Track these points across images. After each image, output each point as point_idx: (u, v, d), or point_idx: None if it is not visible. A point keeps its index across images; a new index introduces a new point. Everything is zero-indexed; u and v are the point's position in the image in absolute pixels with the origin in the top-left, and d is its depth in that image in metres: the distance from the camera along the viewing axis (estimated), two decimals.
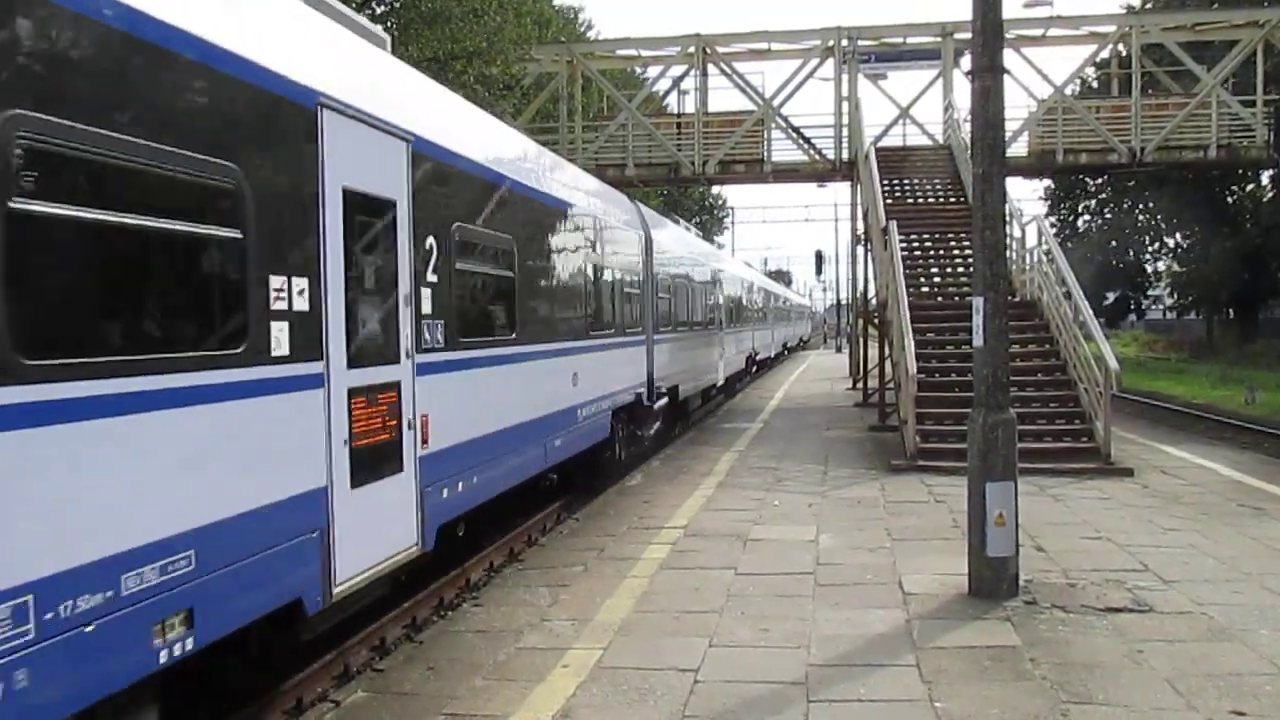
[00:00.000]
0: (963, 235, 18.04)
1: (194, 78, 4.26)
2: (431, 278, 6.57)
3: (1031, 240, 16.90)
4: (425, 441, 6.36)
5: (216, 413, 4.34)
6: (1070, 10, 59.42)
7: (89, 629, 3.54)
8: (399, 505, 6.06)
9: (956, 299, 16.54)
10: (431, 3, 19.65)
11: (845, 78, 23.84)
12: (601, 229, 11.64)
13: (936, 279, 18.31)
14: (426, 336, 6.48)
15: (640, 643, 5.97)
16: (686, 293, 18.04)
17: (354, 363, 5.48)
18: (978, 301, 6.83)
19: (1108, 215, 47.34)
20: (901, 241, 16.29)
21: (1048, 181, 43.84)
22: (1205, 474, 11.78)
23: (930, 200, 20.91)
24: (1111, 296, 50.23)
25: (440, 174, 6.86)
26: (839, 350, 47.07)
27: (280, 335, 4.78)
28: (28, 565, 3.33)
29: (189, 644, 4.07)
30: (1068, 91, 25.95)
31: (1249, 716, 4.75)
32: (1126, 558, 7.75)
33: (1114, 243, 45.89)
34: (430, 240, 6.56)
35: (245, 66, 4.58)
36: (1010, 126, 20.40)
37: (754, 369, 31.03)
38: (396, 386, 6.04)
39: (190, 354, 4.21)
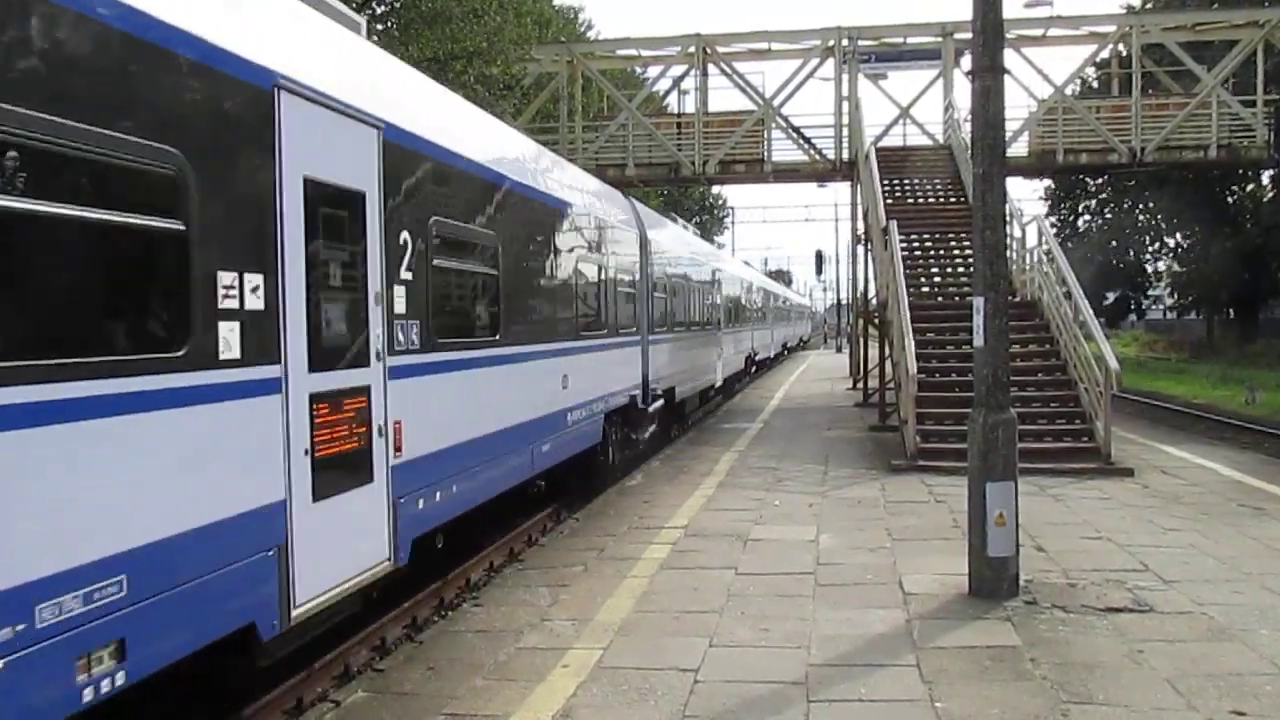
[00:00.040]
0: (963, 235, 18.04)
1: (121, 50, 3.86)
2: (406, 275, 6.21)
3: (1032, 240, 16.90)
4: (398, 450, 5.99)
5: (152, 422, 3.94)
6: (1070, 10, 59.49)
7: None
8: (368, 518, 5.68)
9: (957, 299, 16.54)
10: (432, 3, 19.67)
11: (845, 78, 23.84)
12: (594, 226, 11.29)
13: (937, 279, 18.32)
14: (400, 338, 6.11)
15: (640, 643, 5.96)
16: (683, 292, 17.67)
17: (317, 366, 5.11)
18: (978, 301, 6.83)
19: (1108, 215, 47.36)
20: (902, 241, 16.30)
21: (1048, 181, 43.87)
22: (1205, 474, 11.78)
23: (930, 200, 20.91)
24: (1112, 296, 50.26)
25: (415, 165, 6.49)
26: (839, 350, 47.07)
27: (230, 336, 4.41)
28: None
29: (119, 679, 3.73)
30: (1068, 91, 25.96)
31: (1249, 716, 4.74)
32: (1127, 558, 7.75)
33: (1114, 243, 45.90)
34: (404, 235, 6.20)
35: (186, 40, 4.18)
36: (1010, 126, 20.39)
37: (753, 369, 30.89)
38: (366, 391, 5.66)
39: (121, 358, 3.84)
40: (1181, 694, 5.02)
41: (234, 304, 4.44)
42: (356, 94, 5.67)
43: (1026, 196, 72.21)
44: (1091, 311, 13.72)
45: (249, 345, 4.53)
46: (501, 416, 8.04)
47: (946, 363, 14.63)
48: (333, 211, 5.44)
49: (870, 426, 16.44)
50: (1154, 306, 60.90)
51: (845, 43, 23.92)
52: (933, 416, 13.00)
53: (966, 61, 20.16)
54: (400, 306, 6.12)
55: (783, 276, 74.43)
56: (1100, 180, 41.76)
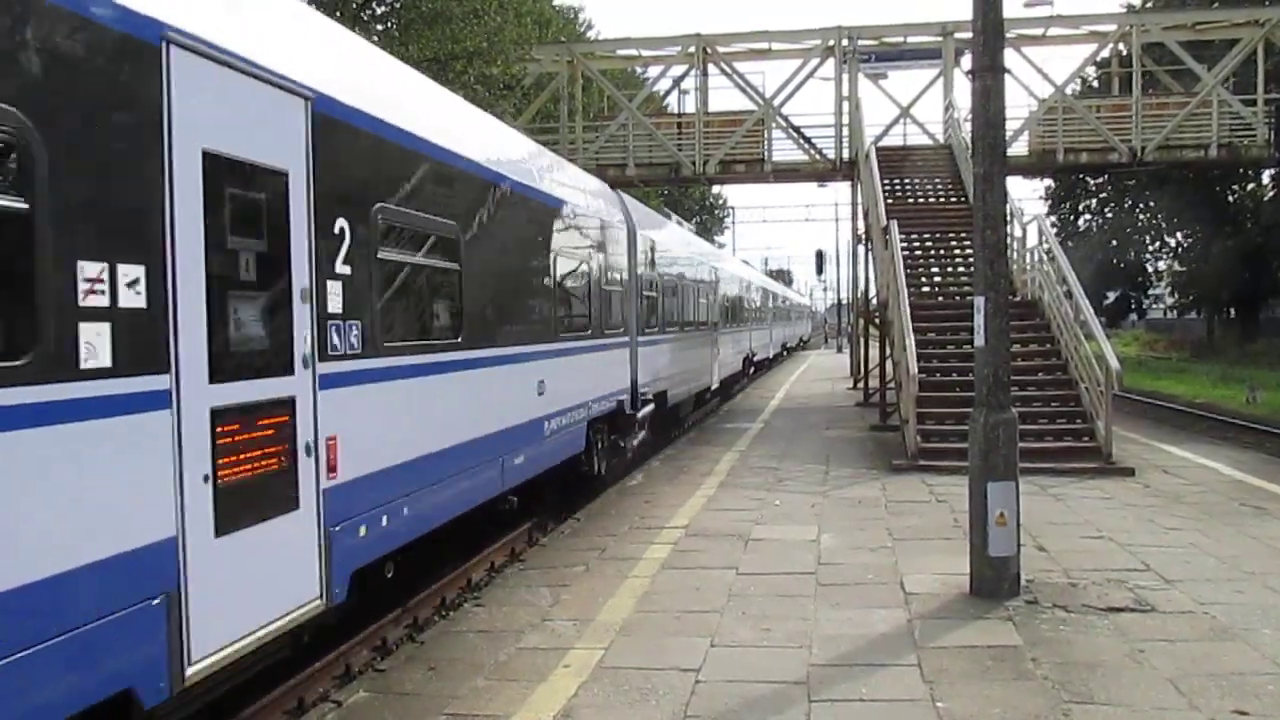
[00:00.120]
0: (963, 235, 18.04)
1: None
2: (343, 269, 5.41)
3: (1032, 240, 16.90)
4: (332, 470, 5.21)
5: None
6: (1071, 9, 59.46)
7: None
8: (292, 552, 4.89)
9: (957, 298, 16.53)
10: (432, 3, 19.70)
11: (846, 77, 23.85)
12: (575, 219, 10.44)
13: (937, 279, 18.32)
14: (335, 341, 5.32)
15: (642, 643, 5.96)
16: (677, 291, 16.90)
17: (221, 376, 4.35)
18: (979, 301, 6.83)
19: (1108, 215, 47.40)
20: (902, 241, 16.30)
21: (1048, 181, 43.93)
22: (1207, 473, 11.78)
23: (931, 200, 20.91)
24: (1112, 296, 50.29)
25: (355, 143, 5.66)
26: (840, 350, 47.06)
27: (96, 341, 3.61)
28: None
29: None
30: (1068, 91, 25.96)
31: (1251, 716, 4.74)
32: (1128, 557, 7.75)
33: (1115, 242, 45.91)
34: (341, 223, 5.40)
35: None
36: (1011, 126, 20.33)
37: (751, 370, 30.61)
38: (289, 404, 4.87)
39: None
40: (1183, 694, 5.01)
41: (102, 301, 3.65)
42: (279, 57, 4.90)
43: (1027, 196, 72.69)
44: (1092, 311, 13.73)
45: (124, 351, 3.74)
46: (464, 428, 7.22)
47: (947, 362, 14.62)
48: (244, 193, 4.64)
49: (871, 426, 16.45)
50: (1155, 306, 60.96)
51: (845, 42, 23.93)
52: (933, 416, 13.01)
53: (967, 61, 20.16)
54: (335, 305, 5.34)
55: (783, 276, 74.38)
56: (1101, 180, 41.77)
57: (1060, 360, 13.97)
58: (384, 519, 5.83)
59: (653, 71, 28.06)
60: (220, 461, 4.31)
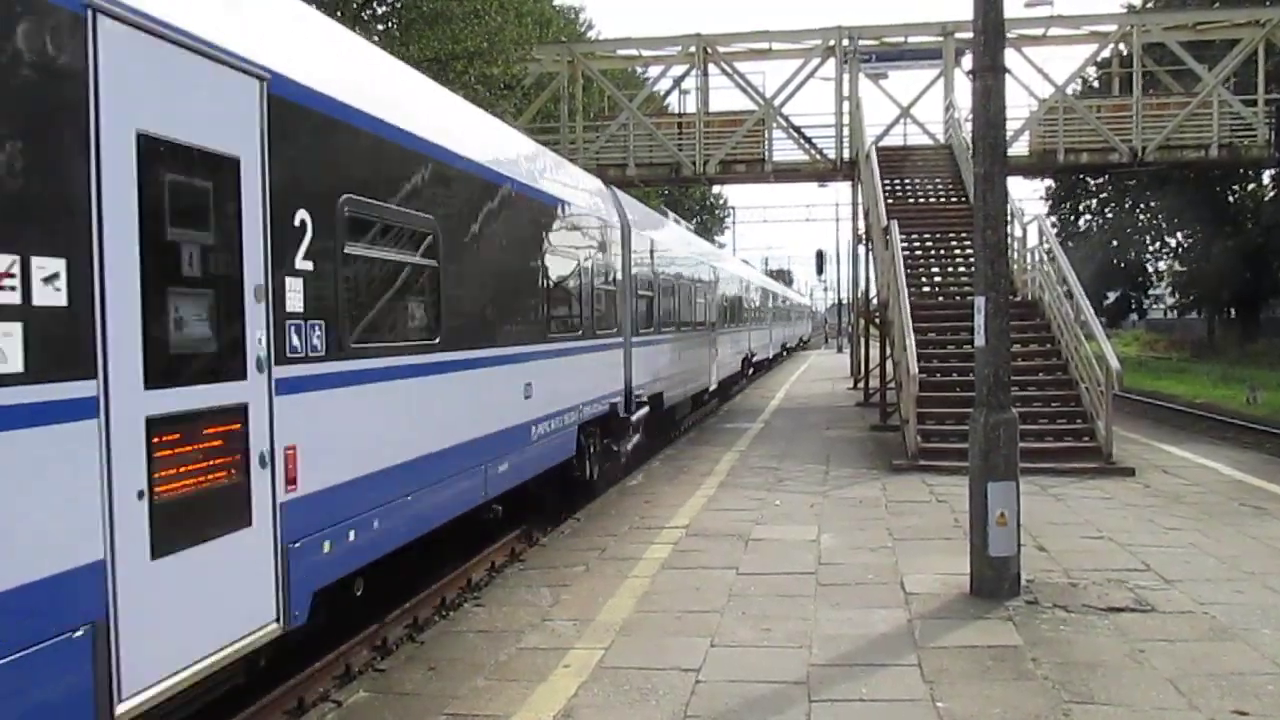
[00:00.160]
0: (964, 235, 18.04)
1: None
2: (304, 264, 5.02)
3: (1033, 240, 16.90)
4: (291, 482, 4.83)
5: None
6: (1071, 9, 59.47)
7: None
8: (243, 572, 4.50)
9: (958, 298, 16.54)
10: (433, 3, 19.70)
11: (846, 77, 23.87)
12: (565, 215, 9.98)
13: (938, 279, 18.32)
14: (296, 342, 4.93)
15: (642, 643, 5.96)
16: (673, 290, 16.38)
17: (159, 381, 3.95)
18: (979, 301, 6.82)
19: (1109, 215, 47.41)
20: (903, 241, 16.30)
21: (1049, 181, 43.93)
22: (1207, 474, 11.78)
23: (931, 200, 20.91)
24: (1113, 296, 50.32)
25: (317, 129, 5.24)
26: (840, 350, 47.07)
27: (3, 342, 3.29)
28: None
29: None
30: (1069, 91, 25.98)
31: (1252, 716, 4.74)
32: (1128, 557, 7.75)
33: (1115, 242, 45.93)
34: (303, 215, 5.01)
35: None
36: (1011, 126, 20.31)
37: (750, 371, 30.41)
38: (241, 411, 4.48)
39: None
40: (1183, 694, 5.01)
41: (10, 298, 3.32)
42: (229, 33, 4.50)
43: (1027, 196, 72.72)
44: (1092, 311, 13.73)
45: (39, 355, 3.39)
46: (442, 434, 6.83)
47: (947, 362, 14.62)
48: (187, 180, 4.25)
49: (871, 426, 16.45)
50: (1155, 306, 60.96)
51: (846, 42, 23.94)
52: (934, 416, 13.01)
53: (967, 61, 20.10)
54: (295, 303, 4.95)
55: (783, 276, 74.40)
56: (1101, 180, 41.79)
57: (1060, 360, 13.96)
58: (351, 534, 5.46)
59: (653, 71, 28.13)
60: (157, 476, 3.92)
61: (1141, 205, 44.96)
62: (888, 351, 16.99)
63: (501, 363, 8.06)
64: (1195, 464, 12.50)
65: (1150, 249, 49.03)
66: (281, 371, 4.79)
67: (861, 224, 22.24)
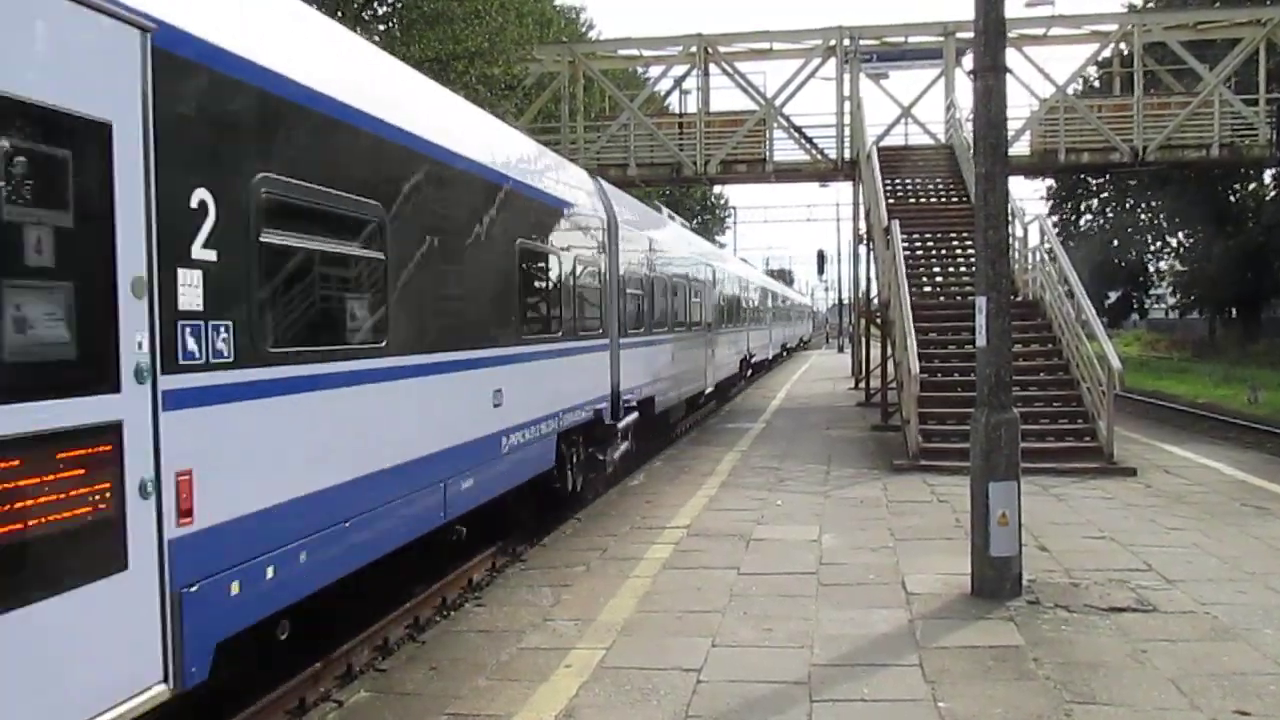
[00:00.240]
0: (965, 235, 18.04)
1: None
2: (204, 254, 4.22)
3: (1034, 240, 16.90)
4: (186, 515, 4.06)
5: None
6: (1072, 9, 59.47)
7: None
8: (116, 626, 3.72)
9: (959, 298, 16.54)
10: (433, 3, 19.71)
11: (847, 77, 23.87)
12: (539, 203, 9.14)
13: (939, 278, 18.32)
14: (192, 347, 4.13)
15: (643, 643, 5.96)
16: (666, 289, 15.42)
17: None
18: (980, 301, 6.82)
19: (1110, 214, 47.40)
20: (904, 241, 16.29)
21: (1050, 181, 43.88)
22: (1208, 473, 11.77)
23: (932, 200, 20.92)
24: (1114, 296, 50.29)
25: (222, 92, 4.40)
26: (841, 350, 47.05)
27: None
28: None
29: None
30: (1070, 91, 25.97)
31: (1253, 716, 4.74)
32: (1130, 557, 7.74)
33: (1116, 242, 45.92)
34: (202, 194, 4.21)
35: None
36: (1012, 126, 20.30)
37: (749, 373, 29.99)
38: (113, 430, 3.70)
39: None
40: (1185, 694, 5.01)
41: None
42: None
43: (1028, 196, 72.66)
44: (1094, 310, 13.73)
45: None
46: (391, 450, 6.01)
47: (949, 362, 14.61)
48: (32, 146, 3.43)
49: (872, 426, 16.45)
50: (1156, 306, 60.93)
51: (847, 42, 23.94)
52: (935, 416, 13.00)
53: (968, 61, 20.15)
54: (191, 300, 4.15)
55: (784, 276, 74.41)
56: (1102, 179, 41.78)
57: (1062, 360, 13.96)
58: (269, 570, 4.65)
59: (654, 71, 28.11)
60: None
61: (1143, 205, 44.97)
62: (889, 351, 16.98)
63: (465, 368, 7.24)
64: (1197, 464, 12.49)
65: (1151, 249, 49.03)
66: (171, 382, 3.99)
67: (862, 224, 22.23)
